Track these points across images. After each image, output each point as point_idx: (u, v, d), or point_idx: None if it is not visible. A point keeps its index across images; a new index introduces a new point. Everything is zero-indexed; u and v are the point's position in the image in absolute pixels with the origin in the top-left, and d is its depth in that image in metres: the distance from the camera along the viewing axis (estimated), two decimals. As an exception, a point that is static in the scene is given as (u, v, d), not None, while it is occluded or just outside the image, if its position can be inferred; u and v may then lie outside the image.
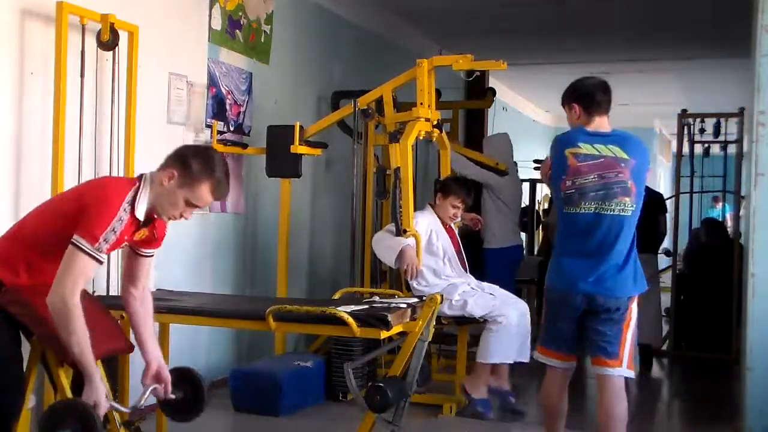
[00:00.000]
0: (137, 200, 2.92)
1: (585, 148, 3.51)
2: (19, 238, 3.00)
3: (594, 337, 3.55)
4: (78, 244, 2.79)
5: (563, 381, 3.70)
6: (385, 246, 5.02)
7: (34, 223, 3.02)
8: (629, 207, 3.49)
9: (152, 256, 3.20)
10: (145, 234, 3.07)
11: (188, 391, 3.23)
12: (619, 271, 3.51)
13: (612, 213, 3.47)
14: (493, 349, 4.94)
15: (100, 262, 2.86)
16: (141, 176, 3.00)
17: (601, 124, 3.60)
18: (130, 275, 3.19)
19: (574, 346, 3.65)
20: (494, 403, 5.07)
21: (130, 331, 3.24)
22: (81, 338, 2.80)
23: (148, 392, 3.10)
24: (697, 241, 7.60)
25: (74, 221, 2.83)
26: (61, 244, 2.82)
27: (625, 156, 3.50)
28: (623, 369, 3.53)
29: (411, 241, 4.96)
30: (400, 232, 4.89)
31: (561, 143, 3.60)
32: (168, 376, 3.15)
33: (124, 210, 2.87)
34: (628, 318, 3.54)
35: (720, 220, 8.54)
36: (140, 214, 2.93)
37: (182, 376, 3.25)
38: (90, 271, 2.85)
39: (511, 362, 5.03)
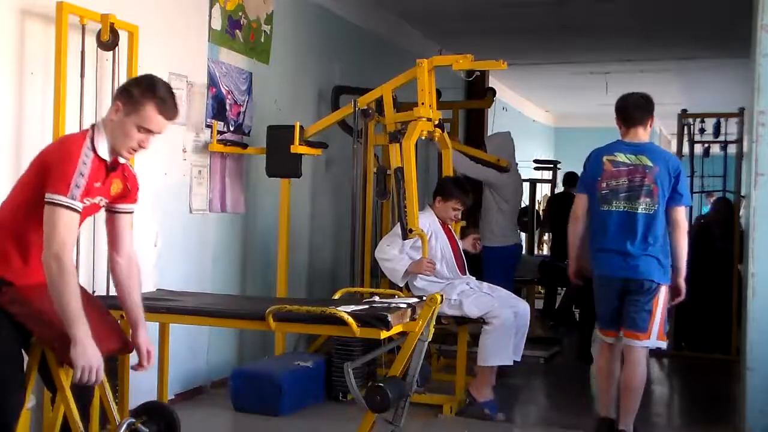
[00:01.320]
0: (96, 141, 2.97)
1: (620, 157, 4.31)
2: None
3: (629, 312, 4.28)
4: (52, 200, 2.83)
5: (614, 353, 4.44)
6: (387, 268, 5.16)
7: (7, 204, 3.05)
8: (652, 206, 4.24)
9: (131, 213, 3.22)
10: (119, 187, 3.11)
11: (162, 426, 3.24)
12: (648, 258, 4.23)
13: (638, 211, 4.24)
14: (492, 352, 4.94)
15: (78, 211, 2.88)
16: (93, 124, 3.06)
17: (636, 135, 4.35)
18: (112, 241, 3.21)
19: (617, 326, 4.37)
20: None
21: (130, 331, 3.24)
22: (75, 295, 2.83)
23: (124, 427, 3.11)
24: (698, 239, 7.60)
25: (43, 182, 2.87)
26: (39, 209, 2.86)
27: (650, 164, 4.25)
28: (651, 341, 4.28)
29: (409, 257, 5.05)
30: (406, 231, 4.90)
31: (599, 151, 4.40)
32: (145, 349, 3.18)
33: (86, 154, 2.91)
34: (656, 300, 4.24)
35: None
36: (103, 152, 2.98)
37: (157, 412, 3.27)
38: (73, 224, 2.87)
39: (511, 363, 5.04)
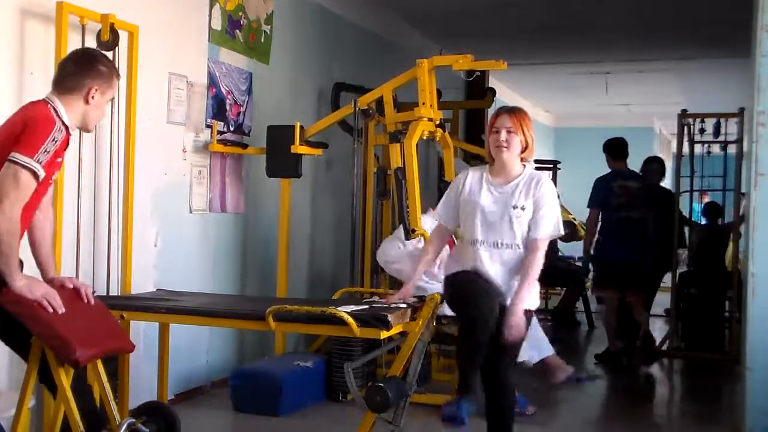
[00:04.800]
0: (65, 120, 3.02)
1: (620, 181, 6.64)
2: None
3: (633, 282, 6.69)
4: (16, 159, 2.85)
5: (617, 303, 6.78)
6: (396, 270, 5.21)
7: None
8: (641, 214, 6.60)
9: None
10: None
11: (162, 426, 3.25)
12: (643, 248, 6.59)
13: (633, 217, 6.58)
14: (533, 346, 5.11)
15: (38, 177, 2.90)
16: (45, 102, 3.05)
17: (623, 165, 6.79)
18: (40, 203, 3.18)
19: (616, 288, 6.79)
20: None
21: (130, 330, 3.24)
22: (14, 252, 2.89)
23: (124, 427, 3.11)
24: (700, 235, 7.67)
25: (14, 142, 2.89)
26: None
27: (635, 185, 6.68)
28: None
29: (413, 251, 5.01)
30: (409, 232, 4.89)
31: (606, 178, 6.74)
32: (69, 283, 3.20)
33: (59, 129, 2.96)
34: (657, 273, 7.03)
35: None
36: (72, 130, 3.07)
37: (157, 412, 3.28)
38: (30, 184, 2.89)
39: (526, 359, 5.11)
